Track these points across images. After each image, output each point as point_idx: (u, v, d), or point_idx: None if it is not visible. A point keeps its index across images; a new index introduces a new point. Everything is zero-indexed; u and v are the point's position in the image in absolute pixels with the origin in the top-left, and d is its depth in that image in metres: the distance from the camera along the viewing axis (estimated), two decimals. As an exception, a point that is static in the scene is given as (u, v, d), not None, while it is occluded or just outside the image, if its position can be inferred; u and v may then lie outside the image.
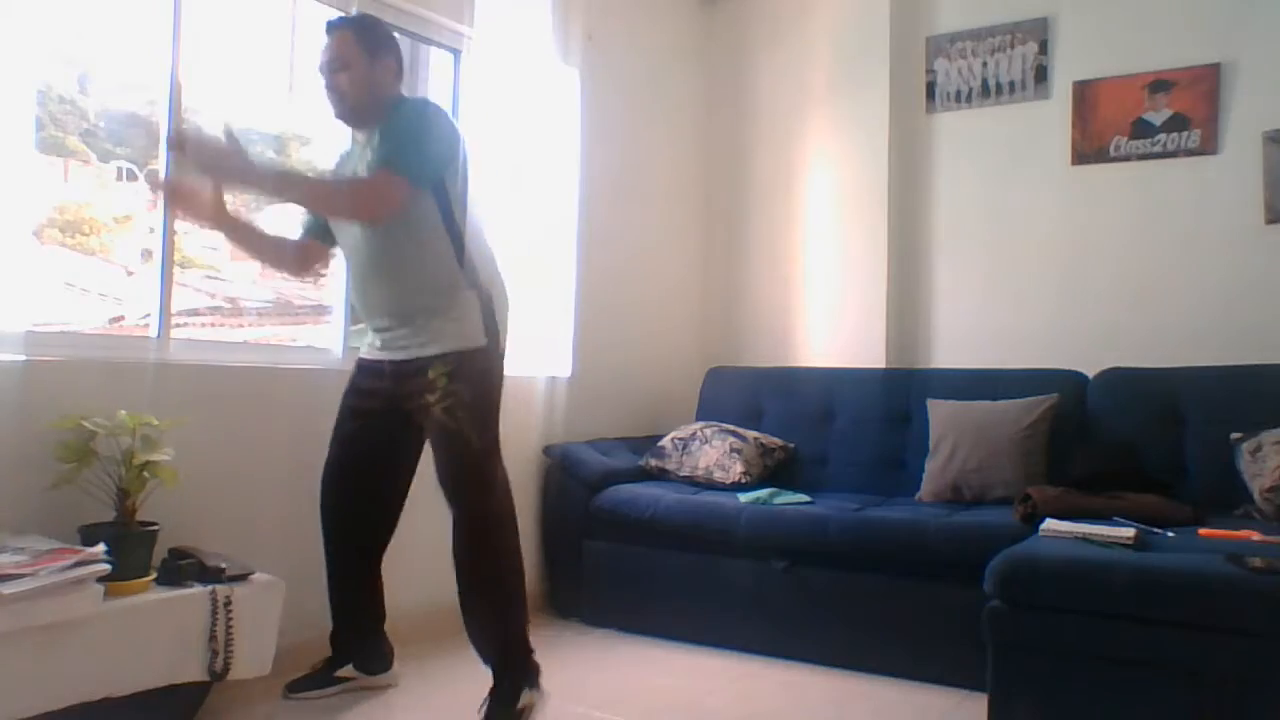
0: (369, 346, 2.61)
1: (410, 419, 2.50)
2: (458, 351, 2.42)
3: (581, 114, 3.76)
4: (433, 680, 2.81)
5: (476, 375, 2.44)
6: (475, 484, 2.45)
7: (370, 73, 2.47)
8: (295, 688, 2.61)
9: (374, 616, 2.74)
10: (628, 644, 3.22)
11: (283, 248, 2.68)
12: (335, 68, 2.46)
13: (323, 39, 2.49)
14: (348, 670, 2.69)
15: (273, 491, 2.79)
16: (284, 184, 2.46)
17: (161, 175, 2.63)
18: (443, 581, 3.27)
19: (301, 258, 2.70)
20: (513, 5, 3.47)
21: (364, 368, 2.62)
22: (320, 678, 2.65)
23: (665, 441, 3.76)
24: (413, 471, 2.67)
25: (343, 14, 2.67)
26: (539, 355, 3.60)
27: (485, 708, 2.43)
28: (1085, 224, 3.76)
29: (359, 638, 2.70)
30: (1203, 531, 2.51)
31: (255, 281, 3.21)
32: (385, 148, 2.37)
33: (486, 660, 2.48)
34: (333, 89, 2.48)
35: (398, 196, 2.33)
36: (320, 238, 2.68)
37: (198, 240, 2.99)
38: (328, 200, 2.46)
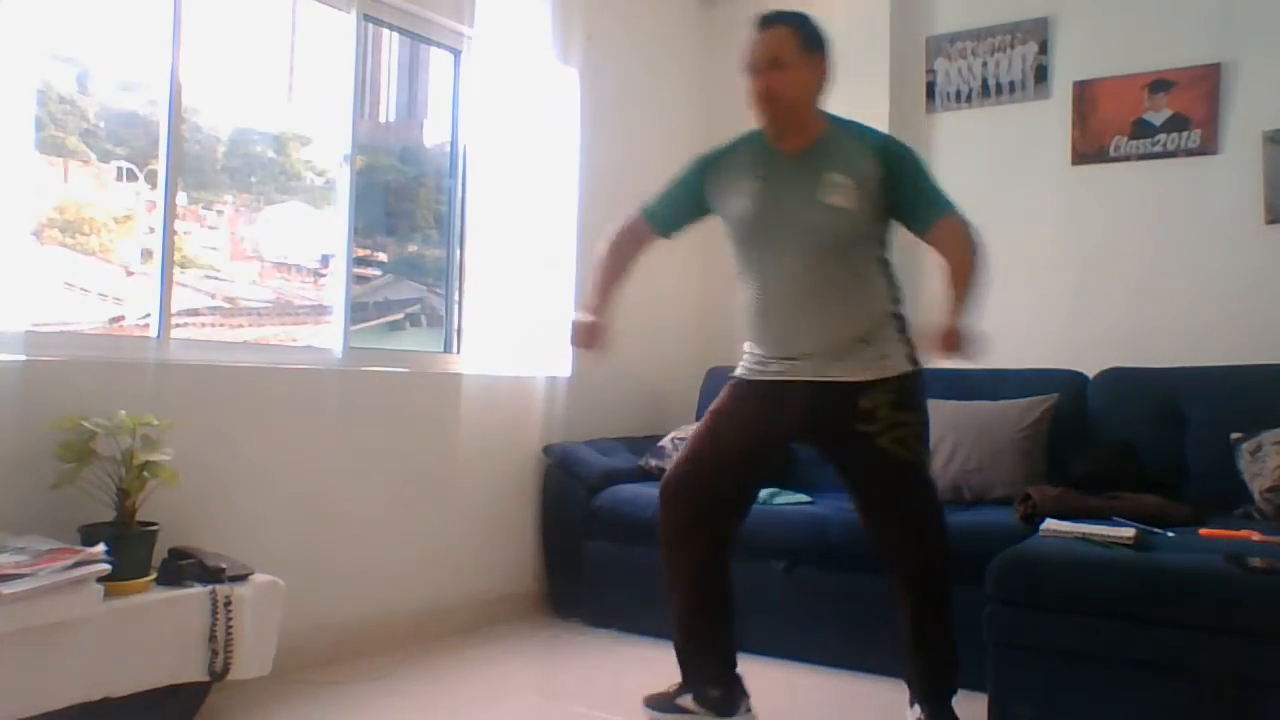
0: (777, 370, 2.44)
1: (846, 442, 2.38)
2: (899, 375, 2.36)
3: (581, 114, 3.76)
4: (433, 680, 2.81)
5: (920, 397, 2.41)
6: None
7: (809, 75, 2.34)
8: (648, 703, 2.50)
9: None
10: (628, 644, 3.22)
11: (627, 269, 2.66)
12: (774, 62, 2.30)
13: (752, 33, 2.37)
14: (688, 701, 2.46)
15: (273, 491, 2.79)
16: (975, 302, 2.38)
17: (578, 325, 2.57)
18: (441, 583, 3.28)
19: (639, 256, 2.66)
20: (513, 5, 3.47)
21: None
22: (668, 703, 2.49)
23: (665, 441, 3.76)
24: None
25: (771, 11, 2.43)
26: (539, 355, 3.60)
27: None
28: (1085, 224, 3.76)
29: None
30: (1203, 531, 2.51)
31: (255, 281, 3.21)
32: (931, 196, 2.36)
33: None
34: (769, 91, 2.33)
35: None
36: (661, 230, 2.62)
37: (198, 240, 3.00)
38: (983, 280, 2.41)
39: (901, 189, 2.34)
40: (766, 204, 2.38)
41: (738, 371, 2.55)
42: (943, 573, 2.36)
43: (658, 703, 2.50)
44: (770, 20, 2.36)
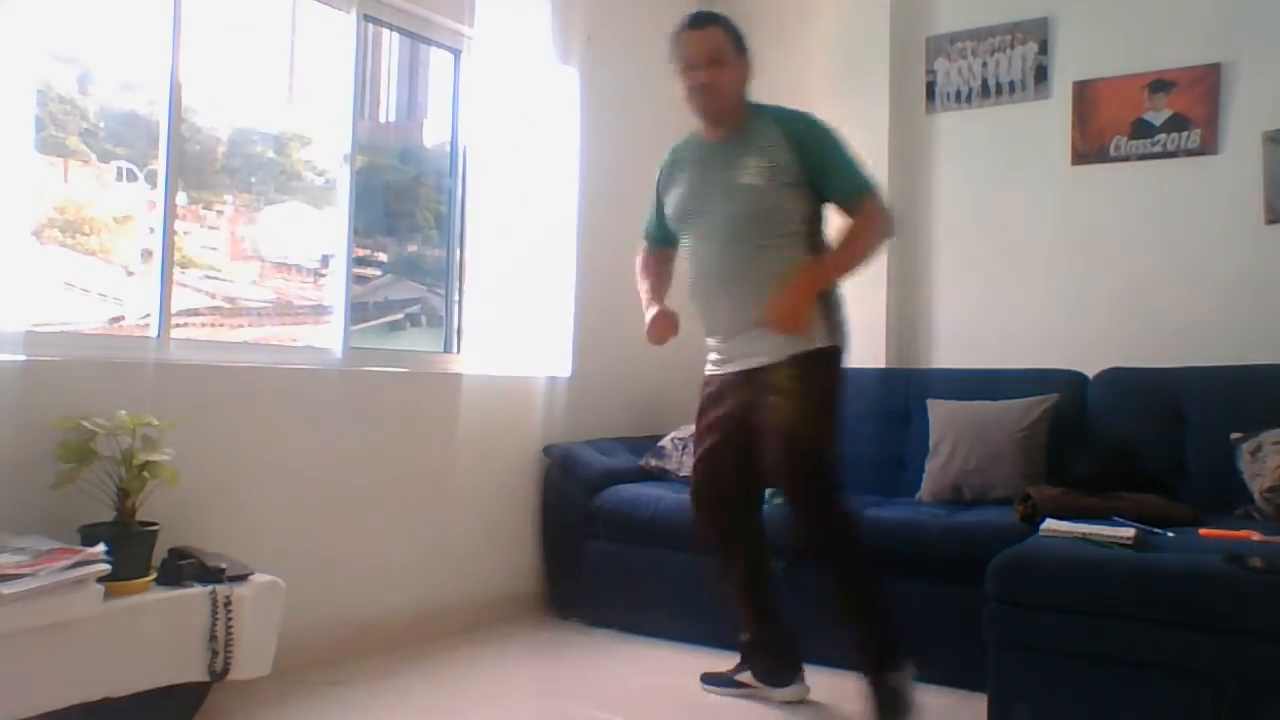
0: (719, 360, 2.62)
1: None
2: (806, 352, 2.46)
3: (581, 114, 3.76)
4: (434, 680, 2.81)
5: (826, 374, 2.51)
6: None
7: (739, 72, 2.54)
8: (706, 679, 2.78)
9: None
10: (628, 644, 3.22)
11: (668, 276, 2.82)
12: (709, 62, 2.49)
13: (686, 32, 2.55)
14: (747, 677, 2.74)
15: (273, 491, 2.79)
16: (846, 268, 2.49)
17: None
18: (441, 583, 3.28)
19: (670, 266, 2.82)
20: (513, 5, 3.47)
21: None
22: (726, 678, 2.76)
23: (665, 441, 3.76)
24: None
25: (704, 10, 2.65)
26: (539, 355, 3.60)
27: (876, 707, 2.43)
28: (1085, 224, 3.76)
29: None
30: (1203, 531, 2.51)
31: (255, 281, 3.21)
32: (846, 174, 2.50)
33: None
34: (706, 85, 2.50)
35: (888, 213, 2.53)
36: (667, 243, 2.78)
37: (198, 240, 3.00)
38: (874, 250, 2.52)
39: (809, 165, 2.48)
40: (694, 192, 2.59)
41: (706, 368, 2.72)
42: (840, 553, 2.48)
43: (715, 679, 2.78)
44: (704, 20, 2.55)
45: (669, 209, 2.68)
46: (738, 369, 2.56)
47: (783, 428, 2.41)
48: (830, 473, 2.46)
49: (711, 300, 2.57)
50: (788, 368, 2.43)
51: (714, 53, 2.50)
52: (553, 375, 3.67)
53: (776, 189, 2.46)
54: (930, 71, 4.09)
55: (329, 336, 3.16)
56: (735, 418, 2.56)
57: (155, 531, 2.27)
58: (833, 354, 2.50)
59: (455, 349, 3.57)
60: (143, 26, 2.71)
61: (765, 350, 2.47)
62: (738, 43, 2.55)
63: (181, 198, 2.80)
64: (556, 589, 3.59)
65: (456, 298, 3.61)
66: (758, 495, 2.72)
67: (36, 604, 1.89)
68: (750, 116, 2.55)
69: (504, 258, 3.47)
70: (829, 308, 2.51)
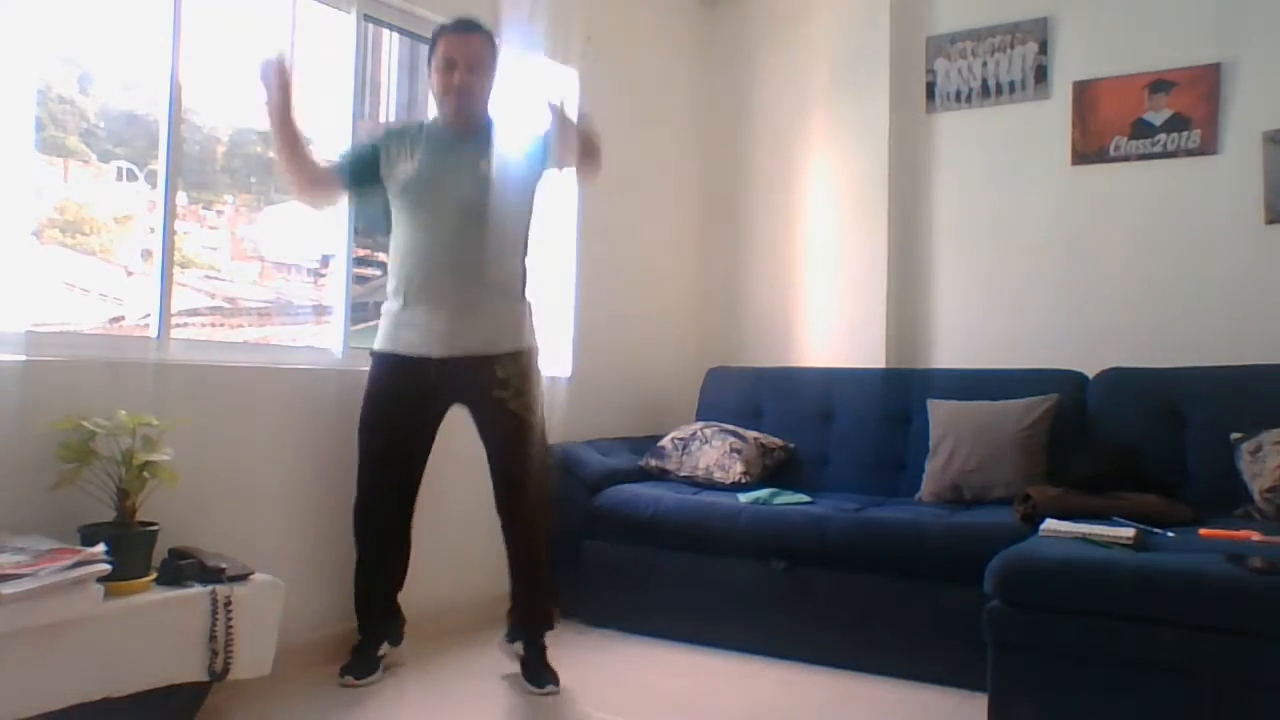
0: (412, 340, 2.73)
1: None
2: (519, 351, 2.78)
3: (580, 114, 3.75)
4: (433, 680, 2.81)
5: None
6: None
7: (492, 82, 2.78)
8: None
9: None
10: (628, 644, 3.22)
11: (310, 164, 2.74)
12: (472, 66, 2.70)
13: (458, 35, 2.70)
14: (385, 647, 2.86)
15: (273, 491, 2.79)
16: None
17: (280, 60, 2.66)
18: (441, 583, 3.27)
19: (320, 182, 2.79)
20: (512, 5, 3.46)
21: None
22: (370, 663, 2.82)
23: (665, 441, 3.76)
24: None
25: (467, 18, 2.79)
26: (539, 355, 3.58)
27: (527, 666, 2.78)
28: (1085, 224, 3.76)
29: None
30: (1203, 531, 2.51)
31: (255, 281, 3.21)
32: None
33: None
34: (465, 88, 2.70)
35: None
36: (346, 181, 2.81)
37: (198, 240, 3.00)
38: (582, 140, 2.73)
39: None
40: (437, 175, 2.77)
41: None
42: (545, 519, 2.87)
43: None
44: (471, 26, 2.74)
45: (397, 183, 2.75)
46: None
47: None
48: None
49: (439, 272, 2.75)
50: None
51: (477, 60, 2.72)
52: (553, 375, 3.67)
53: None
54: (930, 71, 4.09)
55: (329, 336, 3.16)
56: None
57: (155, 531, 2.27)
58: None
59: (455, 349, 3.56)
60: (143, 26, 2.71)
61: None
62: (495, 52, 2.81)
63: (181, 198, 2.80)
64: (557, 589, 3.58)
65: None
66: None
67: (36, 604, 1.89)
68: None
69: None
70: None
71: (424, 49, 3.60)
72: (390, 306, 2.78)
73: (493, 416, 2.77)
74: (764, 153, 4.44)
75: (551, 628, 2.89)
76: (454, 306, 2.70)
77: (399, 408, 2.76)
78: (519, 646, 2.84)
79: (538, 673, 2.76)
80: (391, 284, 2.78)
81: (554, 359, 3.68)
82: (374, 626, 2.83)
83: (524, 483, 2.78)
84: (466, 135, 2.76)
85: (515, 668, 2.83)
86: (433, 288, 2.70)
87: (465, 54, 2.70)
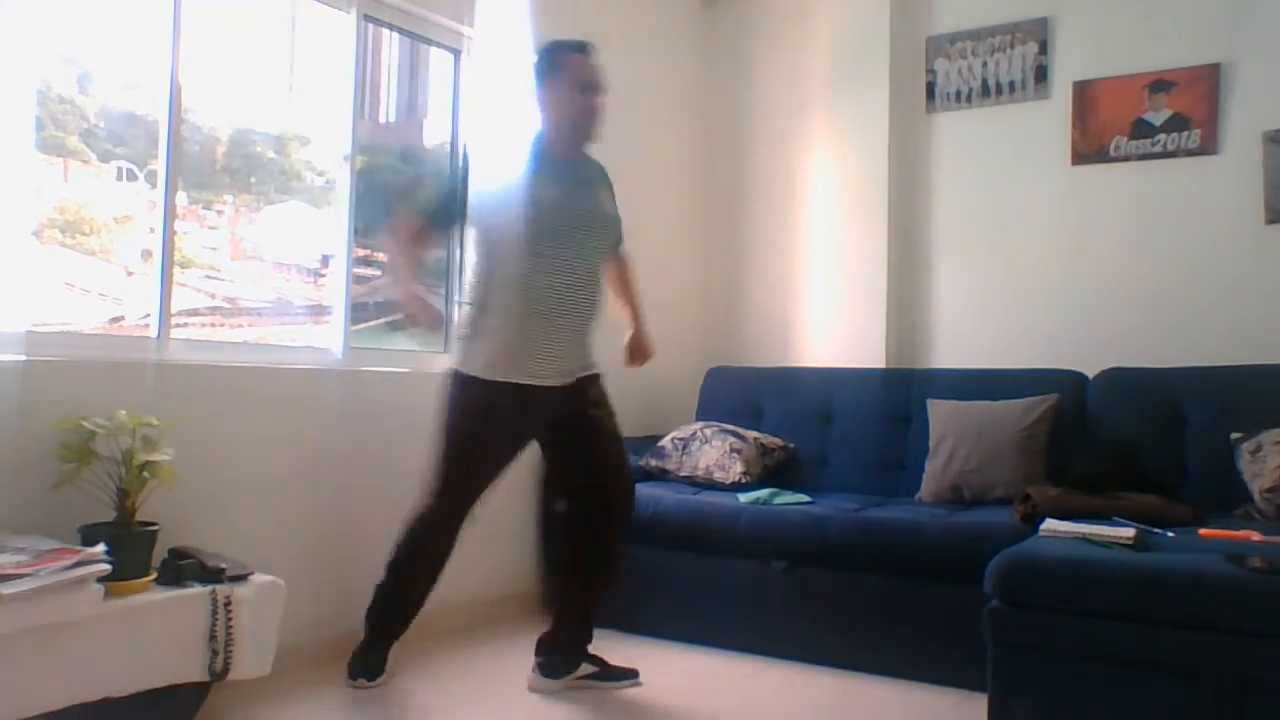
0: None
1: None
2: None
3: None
4: (433, 680, 2.81)
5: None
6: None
7: None
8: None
9: None
10: (628, 644, 3.22)
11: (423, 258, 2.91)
12: (602, 90, 2.75)
13: (589, 58, 2.75)
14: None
15: (272, 491, 2.79)
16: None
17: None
18: (441, 583, 3.27)
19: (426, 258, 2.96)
20: (513, 5, 3.47)
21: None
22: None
23: (665, 441, 3.76)
24: None
25: (585, 40, 2.82)
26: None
27: None
28: (1085, 224, 3.76)
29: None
30: (1203, 531, 2.51)
31: (255, 281, 3.21)
32: (620, 220, 2.85)
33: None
34: (600, 110, 2.77)
35: None
36: (441, 230, 2.91)
37: (198, 240, 2.99)
38: None
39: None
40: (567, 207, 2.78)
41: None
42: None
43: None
44: (593, 49, 2.77)
45: (527, 211, 2.63)
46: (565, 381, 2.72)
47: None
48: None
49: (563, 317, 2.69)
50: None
51: (605, 84, 2.76)
52: (553, 375, 3.66)
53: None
54: (930, 71, 4.09)
55: (329, 336, 3.16)
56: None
57: (155, 531, 2.27)
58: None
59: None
60: (143, 26, 2.71)
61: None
62: None
63: (181, 198, 2.80)
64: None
65: (457, 298, 3.60)
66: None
67: (36, 604, 1.89)
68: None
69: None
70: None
71: (424, 49, 3.62)
72: (507, 335, 2.62)
73: (594, 435, 2.78)
74: (764, 153, 4.44)
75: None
76: (577, 333, 2.72)
77: (518, 438, 2.76)
78: (585, 667, 2.83)
79: (615, 667, 2.84)
80: (506, 311, 2.63)
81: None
82: (388, 635, 2.79)
83: (630, 504, 2.84)
84: (580, 161, 2.81)
85: (579, 684, 2.82)
86: (566, 317, 2.67)
87: (599, 78, 2.74)
